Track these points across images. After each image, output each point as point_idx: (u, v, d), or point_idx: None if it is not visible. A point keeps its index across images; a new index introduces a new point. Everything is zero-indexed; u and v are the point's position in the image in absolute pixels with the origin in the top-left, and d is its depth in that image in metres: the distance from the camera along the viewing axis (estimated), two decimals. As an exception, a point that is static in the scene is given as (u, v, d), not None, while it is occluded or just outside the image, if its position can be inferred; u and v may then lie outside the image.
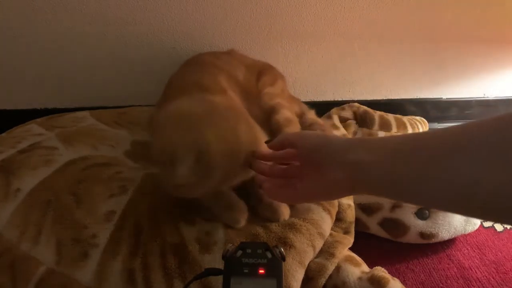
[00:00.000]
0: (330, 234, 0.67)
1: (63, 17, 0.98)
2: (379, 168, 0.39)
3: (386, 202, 0.77)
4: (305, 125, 0.88)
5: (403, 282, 0.63)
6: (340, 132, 0.94)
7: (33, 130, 0.80)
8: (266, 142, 0.54)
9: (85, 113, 0.92)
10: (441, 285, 0.72)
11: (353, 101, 1.07)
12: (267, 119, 0.81)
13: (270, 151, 0.54)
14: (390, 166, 0.38)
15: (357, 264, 0.64)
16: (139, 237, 0.57)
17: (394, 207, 0.77)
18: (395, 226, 0.77)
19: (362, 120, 0.99)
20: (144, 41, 1.04)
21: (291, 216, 0.63)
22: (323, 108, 1.02)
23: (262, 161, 0.54)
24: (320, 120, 0.94)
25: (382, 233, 0.79)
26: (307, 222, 0.63)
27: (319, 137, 0.47)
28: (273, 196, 0.53)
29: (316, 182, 0.45)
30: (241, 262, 0.43)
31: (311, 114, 0.95)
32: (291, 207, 0.65)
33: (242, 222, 0.60)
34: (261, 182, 0.53)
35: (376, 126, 0.99)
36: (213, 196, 0.63)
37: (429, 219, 0.76)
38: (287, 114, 0.84)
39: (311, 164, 0.47)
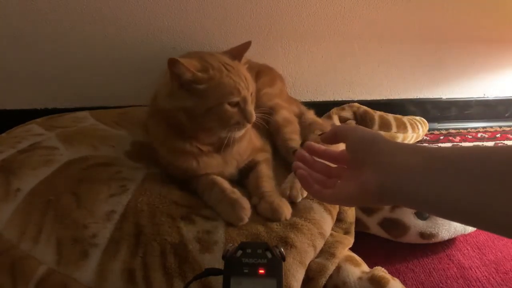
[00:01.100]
0: (331, 234, 0.67)
1: (63, 17, 0.98)
2: (420, 175, 0.36)
3: (386, 202, 0.77)
4: (305, 125, 0.88)
5: (403, 282, 0.63)
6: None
7: (33, 130, 0.80)
8: (319, 135, 0.53)
9: (85, 113, 0.92)
10: (441, 285, 0.72)
11: (353, 101, 1.07)
12: (266, 119, 0.82)
13: (322, 146, 0.52)
14: (435, 175, 0.35)
15: (357, 264, 0.64)
16: (139, 237, 0.57)
17: (394, 207, 0.77)
18: (395, 226, 0.77)
19: (362, 120, 1.00)
20: (144, 41, 1.04)
21: (292, 215, 0.63)
22: (323, 108, 1.02)
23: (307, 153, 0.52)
24: (319, 120, 0.94)
25: (382, 233, 0.79)
26: (309, 222, 0.63)
27: (370, 133, 0.45)
28: (305, 184, 0.50)
29: (351, 183, 0.43)
30: (241, 262, 0.43)
31: (310, 114, 0.95)
32: (293, 206, 0.65)
33: (245, 219, 0.60)
34: (297, 168, 0.50)
35: (376, 126, 0.99)
36: (216, 194, 0.63)
37: (429, 219, 0.76)
38: (286, 114, 0.84)
39: (355, 161, 0.44)
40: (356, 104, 1.04)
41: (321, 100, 1.22)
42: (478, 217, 0.32)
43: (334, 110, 1.02)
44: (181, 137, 0.65)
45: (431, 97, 1.29)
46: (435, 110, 1.31)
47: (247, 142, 0.71)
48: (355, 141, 0.44)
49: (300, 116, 0.91)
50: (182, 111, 0.62)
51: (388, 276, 0.61)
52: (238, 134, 0.65)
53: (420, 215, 0.76)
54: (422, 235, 0.76)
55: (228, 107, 0.61)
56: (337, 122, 0.97)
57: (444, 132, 1.29)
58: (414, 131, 1.04)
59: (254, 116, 0.63)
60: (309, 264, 0.60)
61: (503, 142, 1.25)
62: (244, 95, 0.62)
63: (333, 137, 0.49)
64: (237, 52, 0.68)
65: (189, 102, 0.61)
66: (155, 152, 0.71)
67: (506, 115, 1.37)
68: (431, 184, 0.35)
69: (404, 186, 0.37)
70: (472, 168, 0.33)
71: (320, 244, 0.63)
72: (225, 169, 0.69)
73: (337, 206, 0.70)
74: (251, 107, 0.63)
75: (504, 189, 0.30)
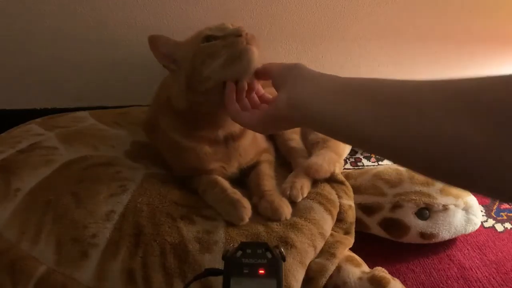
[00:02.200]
0: (331, 235, 0.66)
1: (63, 17, 0.98)
2: (319, 95, 0.40)
3: (387, 203, 0.77)
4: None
5: (403, 282, 0.63)
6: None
7: (33, 130, 0.80)
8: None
9: (85, 113, 0.92)
10: (442, 285, 0.72)
11: (353, 101, 1.07)
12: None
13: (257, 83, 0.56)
14: (331, 95, 0.39)
15: (357, 264, 0.64)
16: (139, 237, 0.57)
17: (394, 207, 0.77)
18: (396, 226, 0.77)
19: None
20: (144, 41, 1.03)
21: (292, 215, 0.63)
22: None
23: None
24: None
25: (382, 233, 0.79)
26: (309, 222, 0.63)
27: (293, 63, 0.47)
28: (230, 99, 0.52)
29: (268, 106, 0.47)
30: (241, 262, 0.42)
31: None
32: (293, 206, 0.65)
33: (246, 219, 0.60)
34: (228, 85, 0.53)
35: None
36: (217, 193, 0.63)
37: (430, 219, 0.76)
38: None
39: (277, 86, 0.47)
40: (356, 104, 1.04)
41: (321, 100, 1.22)
42: (354, 132, 0.36)
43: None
44: (199, 128, 0.64)
45: (431, 97, 1.29)
46: (435, 110, 1.31)
47: (251, 142, 0.71)
48: (279, 68, 0.48)
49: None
50: (193, 91, 0.58)
51: (388, 276, 0.61)
52: (252, 54, 0.52)
53: (421, 215, 0.76)
54: (423, 235, 0.76)
55: (207, 43, 0.55)
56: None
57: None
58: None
59: (241, 29, 0.52)
60: (309, 264, 0.60)
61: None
62: (219, 26, 0.56)
63: (263, 72, 0.52)
64: None
65: (189, 71, 0.57)
66: (164, 143, 0.70)
67: (507, 115, 1.37)
68: (325, 102, 0.39)
69: (307, 104, 0.40)
70: (358, 92, 0.37)
71: (320, 244, 0.63)
72: (228, 167, 0.69)
73: (338, 206, 0.70)
74: (233, 27, 0.55)
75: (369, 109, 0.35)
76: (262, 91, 0.57)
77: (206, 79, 0.55)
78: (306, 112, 0.41)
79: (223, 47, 0.52)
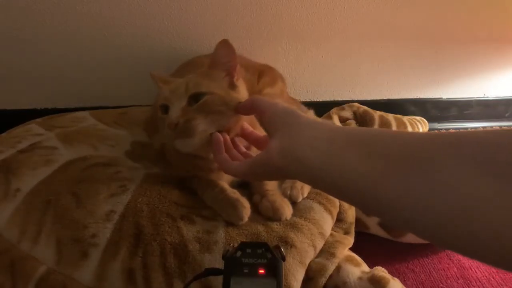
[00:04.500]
0: (331, 234, 0.67)
1: (64, 18, 0.98)
2: (316, 144, 0.37)
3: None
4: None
5: (403, 282, 0.63)
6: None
7: (33, 130, 0.80)
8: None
9: (85, 113, 0.92)
10: (441, 285, 0.72)
11: (353, 101, 1.07)
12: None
13: (249, 127, 0.55)
14: (327, 145, 0.36)
15: (357, 264, 0.64)
16: (139, 237, 0.57)
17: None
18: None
19: (362, 120, 0.99)
20: (144, 42, 1.04)
21: (292, 215, 0.63)
22: (323, 108, 1.02)
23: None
24: (319, 120, 0.94)
25: (382, 233, 0.79)
26: (309, 222, 0.63)
27: (290, 108, 0.45)
28: (217, 148, 0.51)
29: (258, 154, 0.44)
30: (241, 262, 0.43)
31: (310, 114, 0.95)
32: (293, 206, 0.65)
33: (246, 218, 0.60)
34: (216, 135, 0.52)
35: (376, 126, 0.99)
36: (216, 193, 0.63)
37: (429, 219, 0.76)
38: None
39: (270, 133, 0.44)
40: (356, 104, 1.04)
41: (321, 100, 1.22)
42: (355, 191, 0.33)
43: (334, 110, 1.02)
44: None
45: (431, 97, 1.29)
46: (435, 110, 1.31)
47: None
48: (275, 113, 0.44)
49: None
50: None
51: (388, 276, 0.61)
52: (176, 145, 0.56)
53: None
54: (422, 235, 0.76)
55: (159, 113, 0.57)
56: (337, 122, 0.97)
57: (444, 132, 1.29)
58: (414, 131, 1.04)
59: (173, 118, 0.52)
60: (309, 264, 0.60)
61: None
62: (166, 96, 0.56)
63: (249, 107, 0.50)
64: None
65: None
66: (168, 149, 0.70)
67: (506, 115, 1.37)
68: (322, 153, 0.36)
69: (301, 152, 0.37)
70: (365, 147, 0.33)
71: (320, 244, 0.63)
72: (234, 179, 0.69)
73: (338, 206, 0.70)
74: (174, 109, 0.54)
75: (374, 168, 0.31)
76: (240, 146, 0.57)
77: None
78: (301, 162, 0.37)
79: (165, 127, 0.54)
